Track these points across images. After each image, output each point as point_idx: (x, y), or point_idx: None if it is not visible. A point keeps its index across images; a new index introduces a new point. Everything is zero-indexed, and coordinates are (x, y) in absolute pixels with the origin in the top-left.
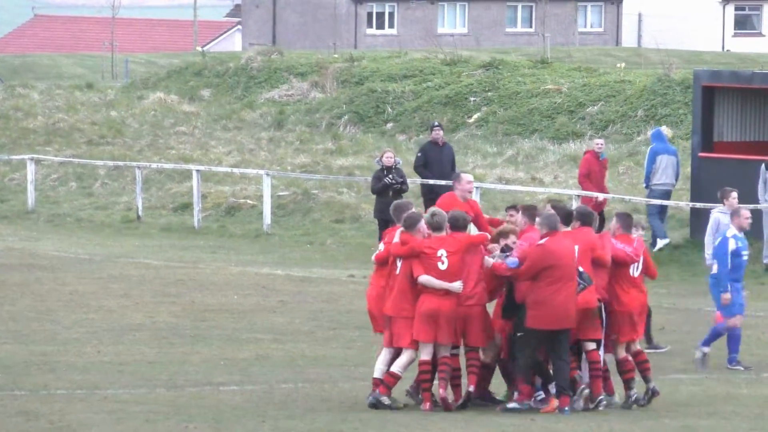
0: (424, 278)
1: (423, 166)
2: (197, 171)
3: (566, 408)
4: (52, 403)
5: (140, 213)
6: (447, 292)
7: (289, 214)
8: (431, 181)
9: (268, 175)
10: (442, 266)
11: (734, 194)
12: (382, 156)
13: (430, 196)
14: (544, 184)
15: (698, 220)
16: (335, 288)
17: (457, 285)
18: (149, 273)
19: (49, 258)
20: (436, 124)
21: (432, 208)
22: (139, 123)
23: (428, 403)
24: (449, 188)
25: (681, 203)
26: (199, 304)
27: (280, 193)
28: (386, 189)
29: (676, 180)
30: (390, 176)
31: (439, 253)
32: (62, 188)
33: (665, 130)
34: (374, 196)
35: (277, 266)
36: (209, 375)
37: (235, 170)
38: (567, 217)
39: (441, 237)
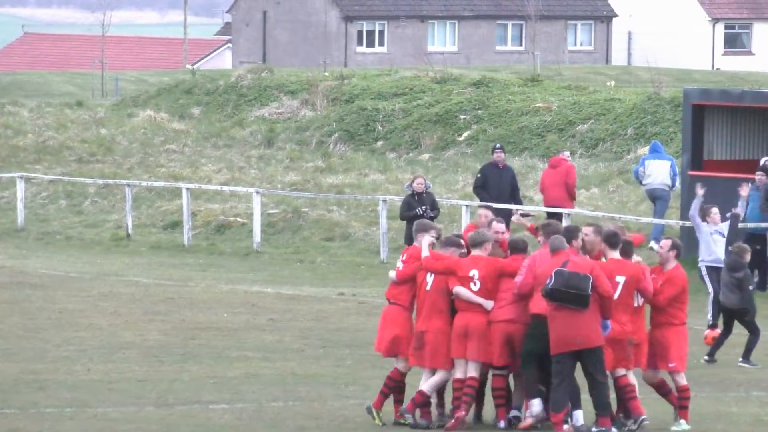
0: (460, 289)
1: (481, 188)
2: (187, 189)
3: (604, 428)
4: (41, 422)
5: (130, 231)
6: (479, 308)
7: (279, 232)
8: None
9: (258, 193)
10: (474, 287)
11: (714, 209)
12: (413, 181)
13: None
14: (534, 203)
15: (688, 238)
16: (325, 306)
17: (490, 303)
18: (139, 291)
19: (38, 276)
20: (498, 146)
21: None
22: (129, 141)
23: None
24: (508, 211)
25: (671, 221)
26: (188, 322)
27: (270, 211)
28: (416, 217)
29: (673, 184)
30: (423, 207)
31: (471, 273)
32: (52, 206)
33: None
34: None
35: (267, 284)
36: (199, 393)
37: (225, 188)
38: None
39: (475, 257)
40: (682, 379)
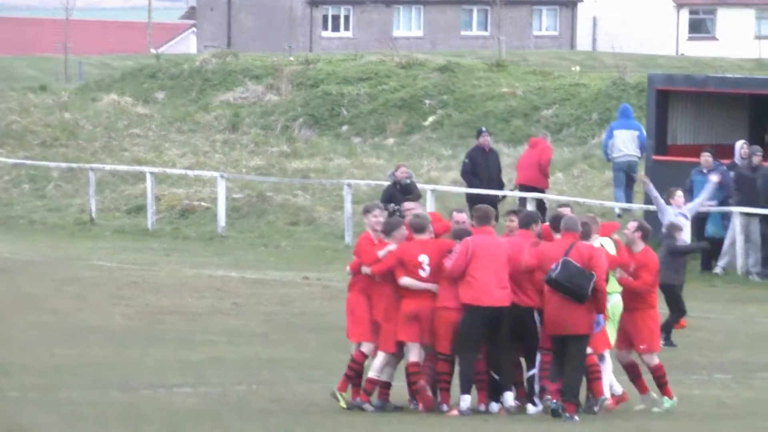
0: (406, 281)
1: (471, 173)
2: (151, 173)
3: (568, 414)
4: (5, 406)
5: (93, 215)
6: (428, 294)
7: (243, 216)
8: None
9: (222, 177)
10: (423, 273)
11: (678, 192)
12: (396, 170)
13: (477, 203)
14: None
15: (651, 222)
16: (290, 290)
17: (437, 286)
18: (103, 275)
19: (2, 260)
20: (484, 129)
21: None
22: (93, 125)
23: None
24: (497, 197)
25: (634, 206)
26: (153, 307)
27: (235, 196)
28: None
29: (642, 152)
30: (393, 205)
31: (420, 259)
32: (15, 190)
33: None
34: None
35: (231, 269)
36: (163, 377)
37: (190, 172)
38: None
39: (423, 242)
40: (655, 360)
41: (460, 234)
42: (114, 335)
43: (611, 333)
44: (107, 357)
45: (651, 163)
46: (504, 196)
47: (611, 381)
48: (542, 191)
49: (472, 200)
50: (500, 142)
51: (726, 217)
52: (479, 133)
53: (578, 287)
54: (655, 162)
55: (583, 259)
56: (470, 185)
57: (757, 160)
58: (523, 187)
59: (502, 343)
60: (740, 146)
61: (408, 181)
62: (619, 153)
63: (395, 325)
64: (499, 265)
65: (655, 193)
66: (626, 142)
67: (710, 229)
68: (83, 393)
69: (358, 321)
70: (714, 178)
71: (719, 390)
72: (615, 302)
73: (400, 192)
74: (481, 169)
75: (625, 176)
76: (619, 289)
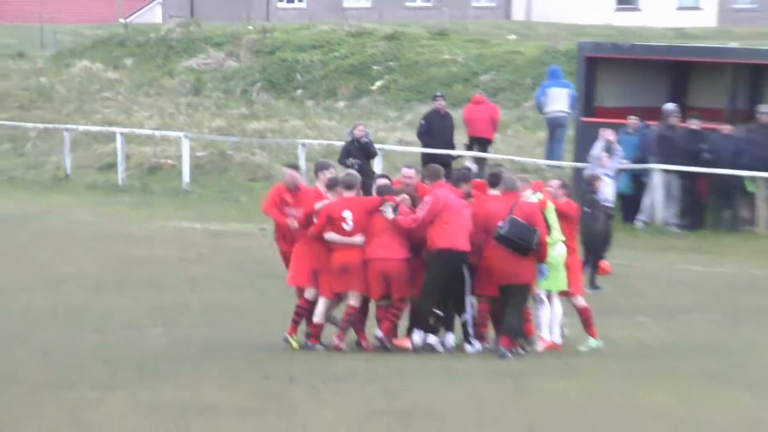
0: (331, 236)
1: (426, 134)
2: (121, 133)
3: (502, 347)
4: None
5: (68, 172)
6: (354, 246)
7: (206, 173)
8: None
9: (186, 137)
10: (347, 227)
11: (604, 154)
12: (354, 128)
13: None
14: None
15: (580, 180)
16: (249, 241)
17: (361, 238)
18: (77, 228)
19: None
20: (439, 94)
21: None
22: (67, 89)
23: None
24: (450, 157)
25: (564, 163)
26: (124, 256)
27: (198, 154)
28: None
29: (572, 109)
30: (352, 159)
31: (344, 214)
32: None
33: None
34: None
35: (195, 221)
36: (134, 321)
37: (157, 133)
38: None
39: (347, 199)
40: (581, 302)
41: (381, 191)
42: (88, 283)
43: (560, 279)
44: (82, 303)
45: (580, 124)
46: (458, 156)
47: (556, 327)
48: (490, 141)
49: (427, 160)
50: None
51: (636, 175)
52: (434, 97)
53: (526, 242)
54: (584, 123)
55: (526, 215)
56: (425, 145)
57: (675, 120)
58: (473, 139)
59: (456, 286)
60: (669, 109)
61: (366, 140)
62: (552, 109)
63: (330, 275)
64: (462, 215)
65: (597, 152)
66: (558, 99)
67: (620, 185)
68: (59, 337)
69: (298, 268)
70: (608, 136)
71: (641, 332)
72: (560, 252)
73: (358, 149)
74: (436, 130)
75: (557, 130)
76: (563, 238)
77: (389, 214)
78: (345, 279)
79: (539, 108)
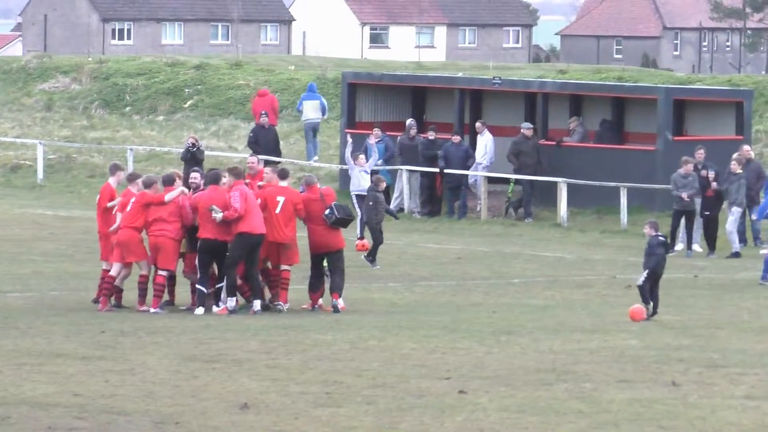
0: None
1: (255, 143)
2: None
3: (335, 301)
4: None
5: None
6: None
7: (56, 171)
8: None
9: (41, 143)
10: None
11: (362, 156)
12: (187, 139)
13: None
14: (237, 151)
15: (345, 179)
16: (89, 224)
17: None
18: None
19: None
20: (264, 112)
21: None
22: None
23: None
24: (275, 162)
25: (333, 166)
26: None
27: (50, 157)
28: (188, 161)
29: (324, 115)
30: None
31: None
32: None
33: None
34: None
35: (47, 208)
36: None
37: (17, 140)
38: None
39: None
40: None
41: (168, 180)
42: None
43: None
44: None
45: (343, 134)
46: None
47: None
48: (274, 127)
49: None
50: (239, 119)
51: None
52: (261, 115)
53: (350, 217)
54: (347, 132)
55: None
56: (254, 153)
57: (413, 132)
58: (259, 126)
59: (255, 261)
60: (409, 123)
61: (194, 149)
62: (307, 117)
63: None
64: (257, 204)
65: (349, 154)
66: (312, 110)
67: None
68: None
69: (105, 246)
70: (370, 140)
71: (392, 294)
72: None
73: (190, 154)
74: (262, 141)
75: (312, 132)
76: None
77: (218, 215)
78: (119, 251)
79: (300, 114)
